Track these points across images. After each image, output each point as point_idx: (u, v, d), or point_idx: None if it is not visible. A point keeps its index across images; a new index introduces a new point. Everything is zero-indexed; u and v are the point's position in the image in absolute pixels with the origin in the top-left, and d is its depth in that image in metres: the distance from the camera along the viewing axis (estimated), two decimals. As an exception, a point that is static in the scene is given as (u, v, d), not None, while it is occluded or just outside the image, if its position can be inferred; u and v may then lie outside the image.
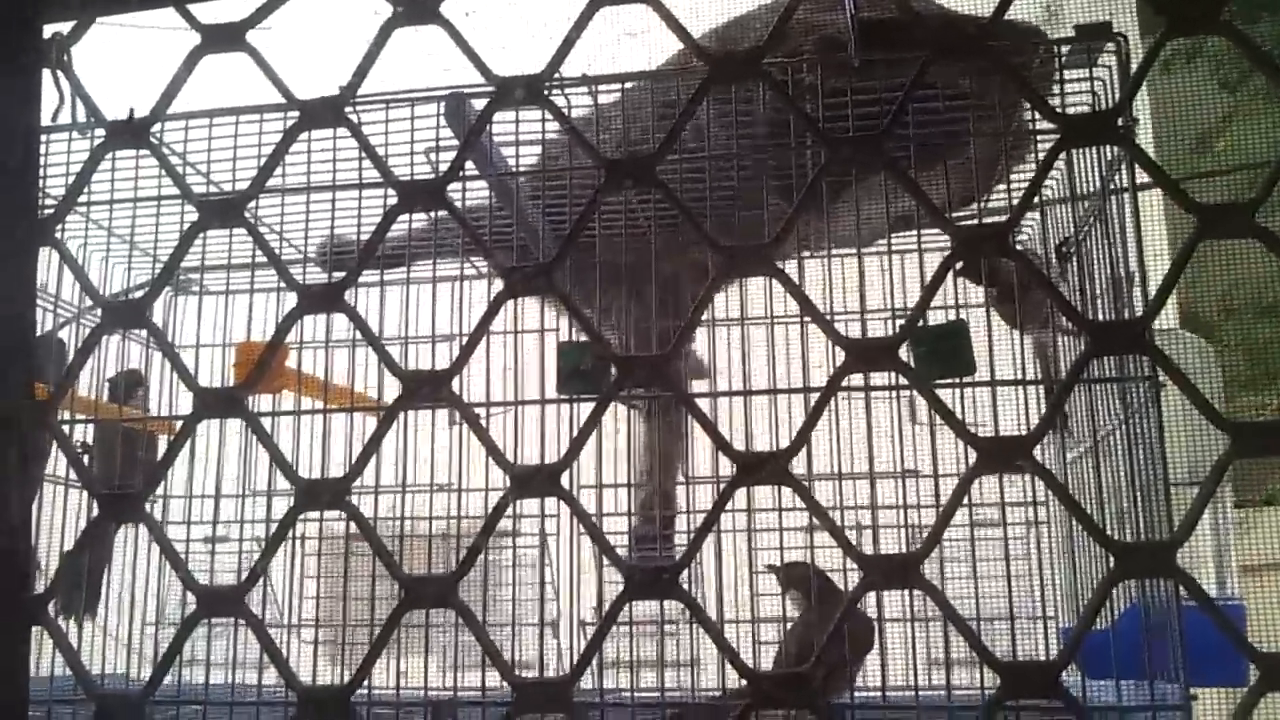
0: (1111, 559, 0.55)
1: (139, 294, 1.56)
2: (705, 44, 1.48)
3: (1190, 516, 0.61)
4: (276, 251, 1.42)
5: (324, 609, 1.34)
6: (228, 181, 1.28)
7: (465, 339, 1.38)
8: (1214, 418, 0.57)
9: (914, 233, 1.29)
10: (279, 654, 0.58)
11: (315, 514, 1.39)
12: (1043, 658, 1.20)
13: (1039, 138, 1.14)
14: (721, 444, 0.57)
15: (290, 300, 0.59)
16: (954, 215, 1.30)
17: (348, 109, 0.59)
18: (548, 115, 1.12)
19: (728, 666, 1.33)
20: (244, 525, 1.44)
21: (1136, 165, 1.07)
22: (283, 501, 1.39)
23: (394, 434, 1.10)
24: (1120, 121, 0.54)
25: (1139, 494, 1.08)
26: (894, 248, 1.25)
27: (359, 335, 1.37)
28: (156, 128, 0.60)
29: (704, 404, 1.18)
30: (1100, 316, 1.10)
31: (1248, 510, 2.12)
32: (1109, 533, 0.61)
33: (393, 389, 1.31)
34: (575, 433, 0.59)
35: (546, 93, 0.61)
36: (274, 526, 1.38)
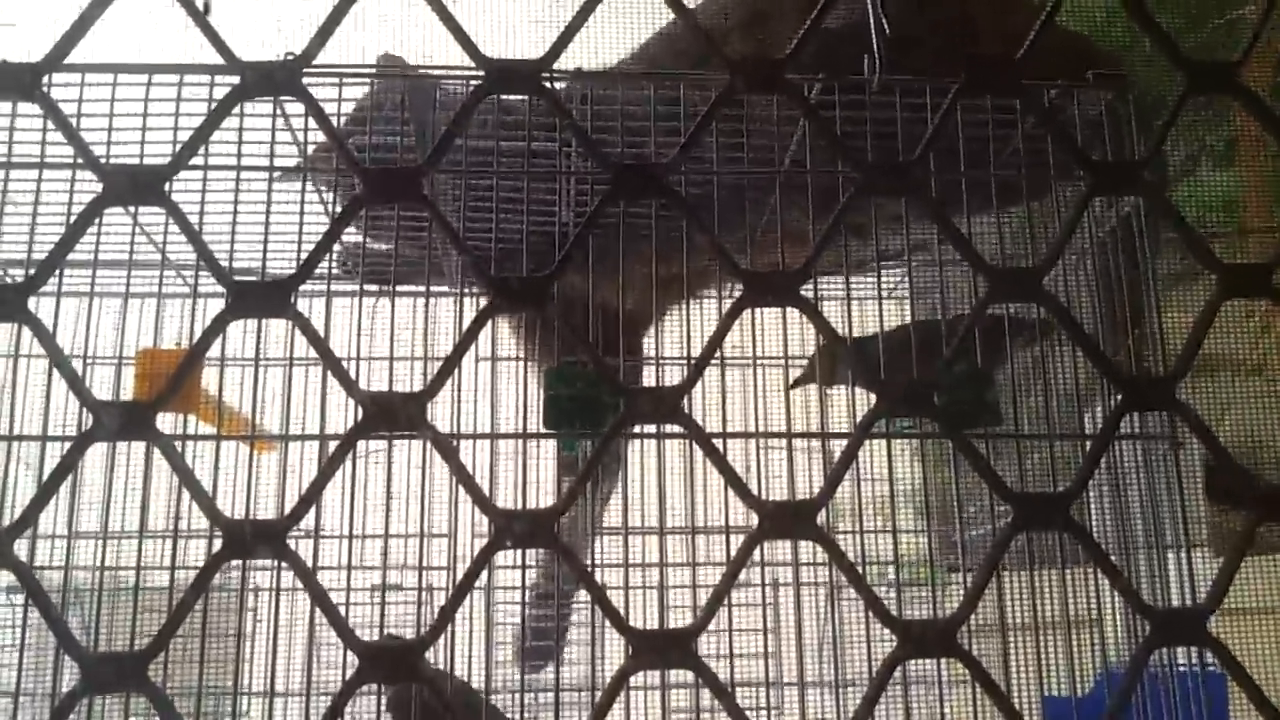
0: (1147, 625, 0.52)
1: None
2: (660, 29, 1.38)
3: (1220, 581, 0.57)
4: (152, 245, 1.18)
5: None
6: (126, 157, 1.07)
7: (433, 359, 1.23)
8: (1244, 480, 0.54)
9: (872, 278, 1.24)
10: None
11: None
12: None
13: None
14: (743, 492, 0.50)
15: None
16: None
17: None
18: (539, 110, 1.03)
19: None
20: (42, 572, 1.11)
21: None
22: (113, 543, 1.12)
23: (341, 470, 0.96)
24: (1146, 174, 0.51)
25: (1141, 552, 1.05)
26: (856, 294, 1.21)
27: (295, 352, 1.23)
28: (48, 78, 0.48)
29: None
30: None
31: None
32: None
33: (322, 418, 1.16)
34: (555, 471, 0.51)
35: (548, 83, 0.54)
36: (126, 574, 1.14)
